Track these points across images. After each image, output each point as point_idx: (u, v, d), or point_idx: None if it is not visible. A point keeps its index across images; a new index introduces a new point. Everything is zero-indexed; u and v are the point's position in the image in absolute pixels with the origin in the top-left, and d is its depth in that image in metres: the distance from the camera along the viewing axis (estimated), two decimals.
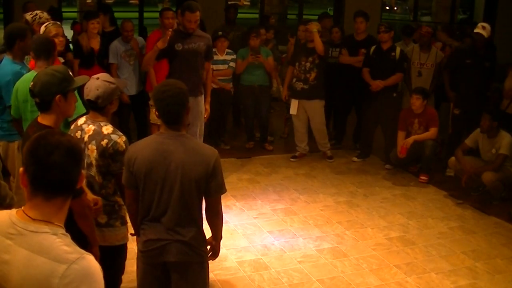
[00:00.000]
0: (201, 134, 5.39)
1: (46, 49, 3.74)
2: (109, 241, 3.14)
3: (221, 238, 3.02)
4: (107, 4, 9.91)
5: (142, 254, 2.83)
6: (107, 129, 3.02)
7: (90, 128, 3.02)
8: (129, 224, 3.25)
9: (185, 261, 2.78)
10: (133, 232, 3.26)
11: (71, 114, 3.00)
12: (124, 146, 3.01)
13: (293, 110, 6.75)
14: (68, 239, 1.64)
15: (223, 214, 3.00)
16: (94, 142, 2.99)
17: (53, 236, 1.61)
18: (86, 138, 3.02)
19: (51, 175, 1.62)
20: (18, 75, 3.80)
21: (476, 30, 6.29)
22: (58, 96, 2.77)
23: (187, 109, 2.80)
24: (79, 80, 3.03)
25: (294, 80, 6.68)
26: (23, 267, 1.58)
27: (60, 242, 1.60)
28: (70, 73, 2.96)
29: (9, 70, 3.95)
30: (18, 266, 1.59)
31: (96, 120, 3.05)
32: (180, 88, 2.77)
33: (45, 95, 2.78)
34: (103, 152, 2.98)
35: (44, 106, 2.82)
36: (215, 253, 3.04)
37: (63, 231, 1.65)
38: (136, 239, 2.96)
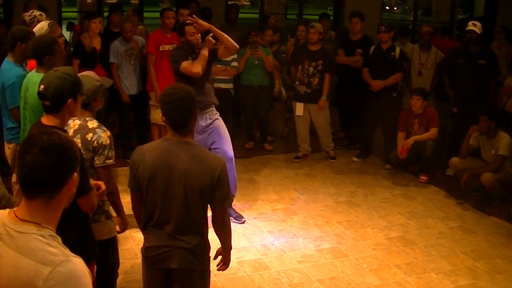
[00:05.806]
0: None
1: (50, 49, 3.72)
2: (95, 236, 3.15)
3: (230, 248, 2.96)
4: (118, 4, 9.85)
5: (145, 259, 2.82)
6: (92, 123, 3.08)
7: (76, 122, 3.07)
8: (114, 218, 3.29)
9: (187, 269, 2.76)
10: (118, 230, 3.33)
11: (77, 115, 3.01)
12: (108, 141, 3.04)
13: (299, 111, 6.73)
14: (56, 241, 1.60)
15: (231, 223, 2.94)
16: (79, 135, 3.02)
17: (40, 238, 1.57)
18: (71, 133, 3.04)
19: (25, 174, 1.59)
20: (22, 78, 3.81)
21: (468, 28, 6.29)
22: (70, 100, 2.71)
23: (195, 114, 2.74)
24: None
25: (297, 83, 6.66)
26: (10, 269, 1.56)
27: (47, 244, 1.56)
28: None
29: (14, 73, 3.97)
30: (6, 267, 1.57)
31: (82, 115, 3.09)
32: (187, 92, 2.70)
33: (59, 99, 2.70)
34: (87, 146, 3.02)
35: (53, 109, 2.74)
36: (226, 263, 3.01)
37: (52, 232, 1.61)
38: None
